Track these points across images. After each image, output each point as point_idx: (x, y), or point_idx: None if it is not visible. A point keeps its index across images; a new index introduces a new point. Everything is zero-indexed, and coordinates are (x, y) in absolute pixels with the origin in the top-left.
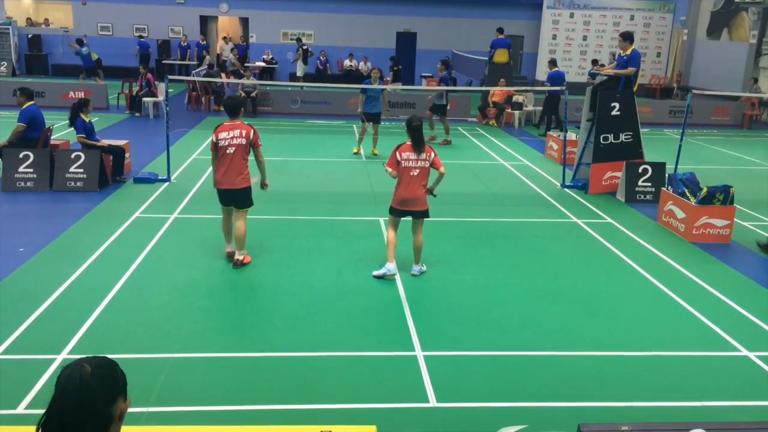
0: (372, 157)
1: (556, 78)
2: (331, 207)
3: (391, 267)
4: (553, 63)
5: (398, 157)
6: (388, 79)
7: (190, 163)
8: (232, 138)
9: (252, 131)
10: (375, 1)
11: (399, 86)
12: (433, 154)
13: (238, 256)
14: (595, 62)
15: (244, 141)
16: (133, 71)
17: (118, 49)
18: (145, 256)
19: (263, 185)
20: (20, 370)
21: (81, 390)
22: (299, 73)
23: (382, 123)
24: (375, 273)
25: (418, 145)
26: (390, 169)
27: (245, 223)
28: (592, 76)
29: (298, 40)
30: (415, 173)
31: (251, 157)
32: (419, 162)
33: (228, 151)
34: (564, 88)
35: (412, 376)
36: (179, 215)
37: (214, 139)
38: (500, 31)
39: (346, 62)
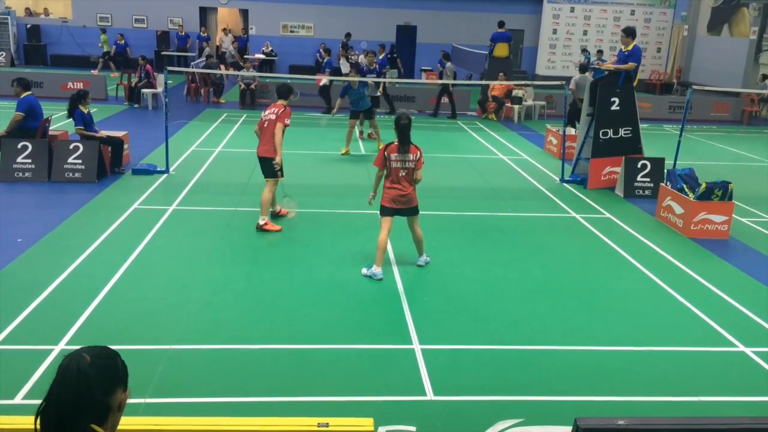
0: (371, 147)
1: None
2: (329, 200)
3: (377, 272)
4: (447, 57)
5: (386, 156)
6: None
7: (188, 154)
8: (269, 114)
9: (282, 108)
10: None
11: (395, 78)
12: (419, 155)
13: (260, 221)
14: (600, 53)
15: (274, 117)
16: (133, 62)
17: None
18: (144, 248)
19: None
20: (18, 361)
21: (78, 379)
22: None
23: (380, 116)
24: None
25: (404, 144)
26: (377, 167)
27: (269, 191)
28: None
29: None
30: (403, 173)
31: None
32: (406, 162)
33: (265, 125)
34: (563, 83)
35: (410, 369)
36: (178, 207)
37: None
38: (501, 24)
39: None
